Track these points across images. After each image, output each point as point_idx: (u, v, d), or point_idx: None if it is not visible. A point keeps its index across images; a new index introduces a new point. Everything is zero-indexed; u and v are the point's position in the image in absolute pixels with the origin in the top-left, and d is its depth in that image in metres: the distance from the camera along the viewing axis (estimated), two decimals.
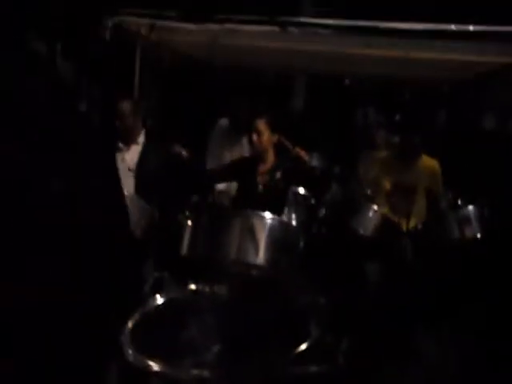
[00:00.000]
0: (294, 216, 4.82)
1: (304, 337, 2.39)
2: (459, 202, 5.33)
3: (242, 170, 4.44)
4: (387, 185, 4.88)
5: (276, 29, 4.58)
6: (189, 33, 4.90)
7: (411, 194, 4.81)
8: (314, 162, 6.75)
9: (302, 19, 4.74)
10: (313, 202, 5.30)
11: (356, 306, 4.20)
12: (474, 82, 6.53)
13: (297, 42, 5.01)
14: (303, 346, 2.30)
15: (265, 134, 4.32)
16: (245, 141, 5.15)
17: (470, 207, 4.44)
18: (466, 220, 4.39)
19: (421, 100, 7.90)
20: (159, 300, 2.75)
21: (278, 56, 5.70)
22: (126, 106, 4.46)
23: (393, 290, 4.46)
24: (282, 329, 2.62)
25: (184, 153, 4.75)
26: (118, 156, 4.45)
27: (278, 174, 4.38)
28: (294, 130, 7.19)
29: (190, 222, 3.79)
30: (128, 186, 4.24)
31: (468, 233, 4.36)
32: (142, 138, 4.57)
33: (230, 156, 5.17)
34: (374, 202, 4.83)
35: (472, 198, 5.05)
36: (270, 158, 4.42)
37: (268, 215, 3.71)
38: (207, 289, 2.83)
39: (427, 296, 4.39)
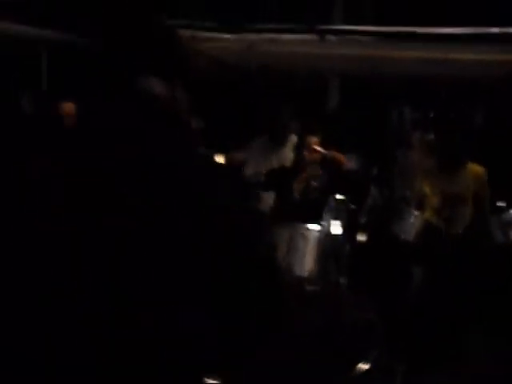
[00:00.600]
0: (333, 223, 4.88)
1: (360, 357, 2.43)
2: (500, 204, 5.32)
3: (281, 180, 4.48)
4: (434, 197, 4.80)
5: (314, 37, 4.61)
6: (226, 41, 4.95)
7: (459, 203, 4.76)
8: (352, 164, 6.78)
9: (340, 27, 4.75)
10: (353, 207, 5.35)
11: (402, 313, 4.22)
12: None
13: (334, 48, 5.02)
14: (362, 367, 2.33)
15: (316, 151, 4.40)
16: (284, 152, 5.14)
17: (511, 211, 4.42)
18: (509, 224, 4.37)
19: (458, 98, 7.81)
20: None
21: (314, 60, 5.71)
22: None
23: (438, 295, 4.46)
24: (338, 348, 2.66)
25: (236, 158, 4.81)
26: None
27: (314, 183, 4.42)
28: (330, 132, 7.22)
29: None
30: None
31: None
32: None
33: (268, 166, 5.17)
34: (415, 206, 4.82)
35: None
36: (308, 168, 4.47)
37: (314, 227, 3.77)
38: None
39: (473, 300, 4.39)
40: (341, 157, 5.18)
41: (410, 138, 7.09)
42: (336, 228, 4.56)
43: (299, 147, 4.48)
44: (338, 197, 5.58)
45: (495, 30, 4.44)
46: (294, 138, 5.12)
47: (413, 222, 4.57)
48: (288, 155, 5.10)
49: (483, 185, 4.80)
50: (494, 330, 4.35)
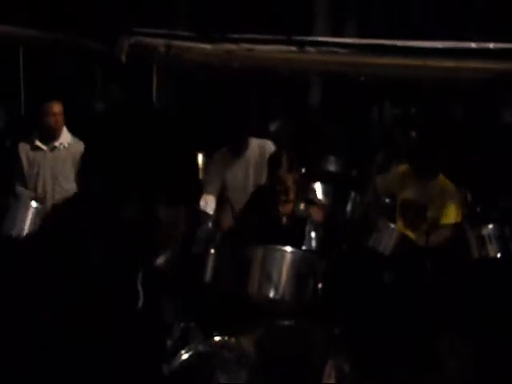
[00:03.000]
0: (313, 236, 4.87)
1: None
2: (478, 210, 5.34)
3: (264, 200, 4.41)
4: (407, 204, 4.82)
5: (293, 48, 4.57)
6: (205, 51, 4.90)
7: (423, 211, 4.77)
8: (331, 166, 6.78)
9: (319, 38, 4.72)
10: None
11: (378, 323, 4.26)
12: (492, 81, 6.44)
13: (313, 56, 4.97)
14: None
15: (284, 167, 4.31)
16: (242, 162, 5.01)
17: (490, 226, 4.43)
18: (487, 239, 4.39)
19: (437, 94, 7.81)
20: (185, 355, 2.81)
21: (294, 65, 5.67)
22: None
23: (414, 307, 4.49)
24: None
25: None
26: None
27: (302, 205, 4.38)
28: (310, 131, 7.21)
29: (212, 251, 3.86)
30: None
31: (488, 252, 4.37)
32: None
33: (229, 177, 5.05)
34: (391, 217, 4.84)
35: (492, 211, 5.07)
36: (291, 188, 4.39)
37: (289, 249, 3.76)
38: (233, 340, 2.88)
39: (447, 311, 4.43)
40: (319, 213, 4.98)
41: (390, 134, 7.10)
42: (312, 241, 4.56)
43: (276, 163, 4.37)
44: None
45: (473, 45, 4.44)
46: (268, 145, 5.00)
47: (389, 234, 4.57)
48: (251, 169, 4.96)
49: (454, 196, 4.82)
50: (466, 340, 4.38)
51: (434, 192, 4.79)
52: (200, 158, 6.51)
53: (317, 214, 4.41)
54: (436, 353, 4.32)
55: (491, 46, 4.42)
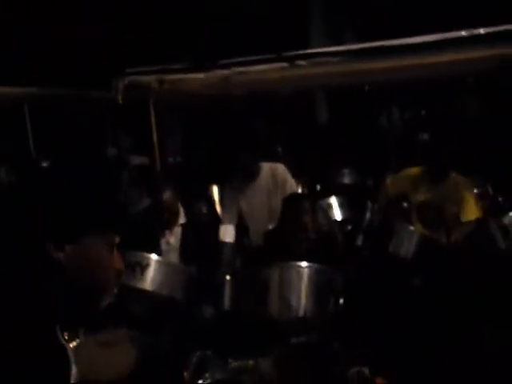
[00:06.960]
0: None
1: None
2: (500, 200, 5.21)
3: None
4: (418, 201, 4.71)
5: (285, 64, 4.53)
6: (199, 80, 4.90)
7: (441, 212, 4.65)
8: (346, 178, 6.70)
9: (309, 51, 4.68)
10: (349, 227, 5.26)
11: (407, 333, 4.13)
12: (500, 68, 6.27)
13: (309, 70, 4.94)
14: None
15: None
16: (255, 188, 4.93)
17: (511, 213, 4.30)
18: (510, 228, 4.26)
19: (447, 92, 7.68)
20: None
21: (292, 82, 5.64)
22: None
23: (442, 306, 4.35)
24: None
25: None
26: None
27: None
28: (321, 146, 7.15)
29: (228, 277, 3.80)
30: None
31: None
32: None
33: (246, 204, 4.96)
34: (408, 219, 4.73)
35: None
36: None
37: (304, 264, 3.68)
38: (251, 363, 2.80)
39: (478, 308, 4.28)
40: None
41: (402, 142, 7.01)
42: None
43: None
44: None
45: (463, 33, 4.36)
46: (280, 168, 4.93)
47: (409, 238, 4.45)
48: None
49: (470, 191, 4.70)
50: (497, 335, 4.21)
51: (448, 190, 4.67)
52: (215, 189, 6.51)
53: None
54: (478, 350, 4.17)
55: (482, 31, 4.31)
